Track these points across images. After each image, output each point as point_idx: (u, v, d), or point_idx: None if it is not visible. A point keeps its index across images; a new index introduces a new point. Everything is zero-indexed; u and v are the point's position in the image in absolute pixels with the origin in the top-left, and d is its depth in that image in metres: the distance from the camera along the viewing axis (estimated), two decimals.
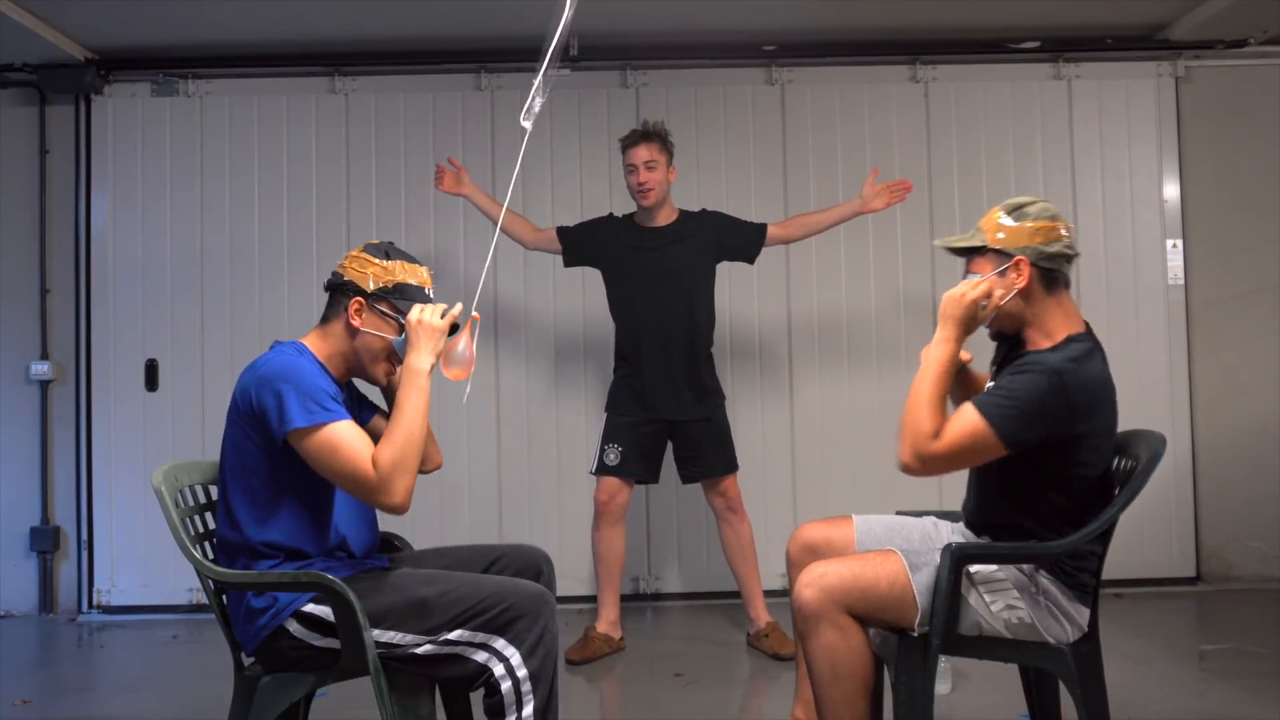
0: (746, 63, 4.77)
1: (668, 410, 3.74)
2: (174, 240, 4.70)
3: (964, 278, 2.30)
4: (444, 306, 2.17)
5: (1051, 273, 2.23)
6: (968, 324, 2.23)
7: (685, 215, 3.86)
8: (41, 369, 4.65)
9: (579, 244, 3.89)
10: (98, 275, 4.68)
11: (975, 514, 2.37)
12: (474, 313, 2.41)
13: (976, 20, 4.52)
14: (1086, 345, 2.20)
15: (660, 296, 3.73)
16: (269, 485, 2.11)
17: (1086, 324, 2.28)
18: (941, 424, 2.13)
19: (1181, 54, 4.72)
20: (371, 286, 2.19)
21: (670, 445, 3.83)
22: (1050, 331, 2.23)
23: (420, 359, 2.11)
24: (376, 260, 2.21)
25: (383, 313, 2.20)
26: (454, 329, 2.23)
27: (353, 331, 2.20)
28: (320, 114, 4.73)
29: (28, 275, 4.71)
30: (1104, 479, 2.24)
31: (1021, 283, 2.21)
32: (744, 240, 3.87)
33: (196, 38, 4.52)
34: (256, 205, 4.71)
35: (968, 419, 2.11)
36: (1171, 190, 4.74)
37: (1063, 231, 2.24)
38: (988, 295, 2.23)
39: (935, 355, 2.21)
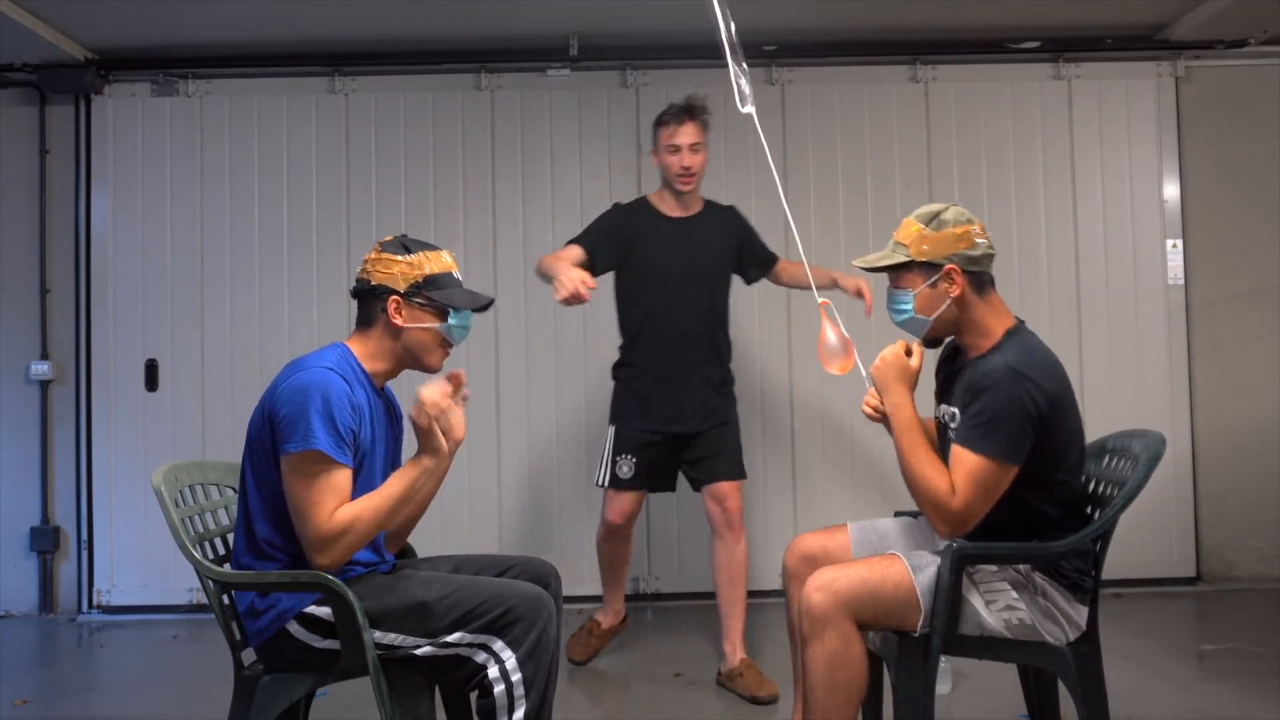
0: (747, 63, 4.75)
1: (681, 423, 3.41)
2: (174, 240, 4.70)
3: (889, 296, 2.29)
4: (438, 390, 2.13)
5: (979, 275, 2.22)
6: (906, 378, 2.26)
7: (711, 205, 3.56)
8: (41, 369, 4.65)
9: (604, 250, 3.41)
10: (98, 275, 4.68)
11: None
12: (820, 299, 2.43)
13: (976, 20, 4.52)
14: (1024, 334, 2.22)
15: (684, 291, 3.41)
16: (275, 486, 2.11)
17: (1017, 318, 2.29)
18: (949, 477, 2.13)
19: (1181, 54, 4.72)
20: (403, 285, 2.20)
21: (679, 449, 3.52)
22: (988, 330, 2.23)
23: (431, 457, 2.12)
24: (399, 257, 2.21)
25: (421, 305, 2.21)
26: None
27: (396, 330, 2.21)
28: (320, 114, 4.73)
29: (28, 275, 4.71)
30: (1084, 492, 2.25)
31: (955, 291, 2.20)
32: (758, 259, 3.63)
33: (196, 38, 4.52)
34: (256, 205, 4.71)
35: (966, 462, 2.12)
36: (1171, 190, 4.74)
37: (980, 233, 2.23)
38: (907, 350, 2.27)
39: (899, 422, 2.22)
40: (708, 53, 4.69)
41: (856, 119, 4.76)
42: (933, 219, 2.22)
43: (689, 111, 3.40)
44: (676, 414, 3.41)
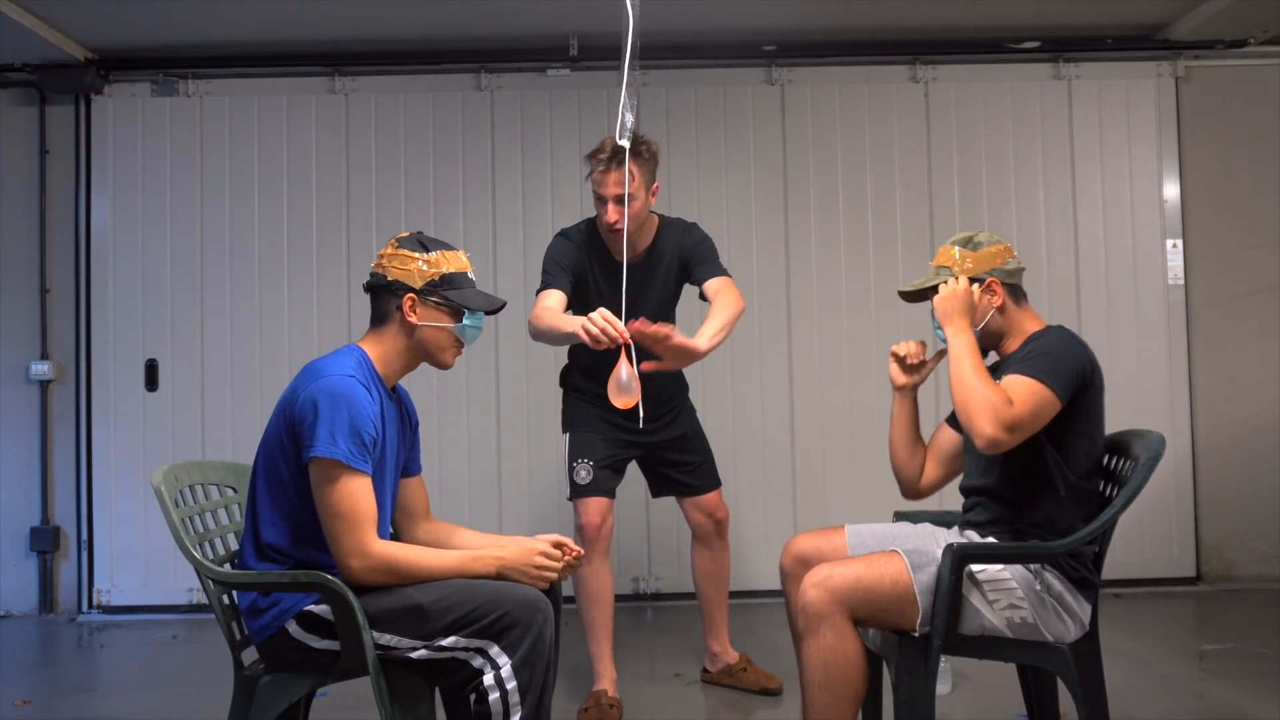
0: (746, 63, 4.77)
1: (643, 435, 3.16)
2: (174, 240, 4.70)
3: (933, 321, 2.40)
4: (556, 552, 2.15)
5: (1015, 288, 2.43)
6: (968, 311, 2.35)
7: (665, 231, 3.16)
8: (41, 369, 4.65)
9: (570, 284, 3.05)
10: (98, 275, 4.68)
11: (977, 512, 2.38)
12: (626, 339, 2.54)
13: (976, 20, 4.53)
14: (1062, 328, 2.38)
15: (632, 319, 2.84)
16: (291, 492, 2.11)
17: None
18: (999, 393, 2.19)
19: (1181, 54, 4.72)
20: (419, 283, 2.20)
21: (641, 459, 3.34)
22: (1026, 331, 2.40)
23: (502, 565, 2.12)
24: (416, 255, 2.22)
25: (436, 304, 2.22)
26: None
27: (410, 328, 2.21)
28: (320, 114, 4.73)
29: (28, 275, 4.71)
30: (1094, 475, 2.28)
31: (998, 301, 2.39)
32: (699, 278, 3.13)
33: (196, 38, 4.52)
34: (256, 205, 4.71)
35: (1025, 383, 2.19)
36: (1171, 190, 4.75)
37: (1011, 252, 2.46)
38: (969, 290, 2.37)
39: (960, 346, 2.29)
40: (708, 53, 4.74)
41: (856, 119, 4.76)
42: (968, 242, 2.44)
43: (617, 157, 2.83)
44: (634, 425, 3.02)
